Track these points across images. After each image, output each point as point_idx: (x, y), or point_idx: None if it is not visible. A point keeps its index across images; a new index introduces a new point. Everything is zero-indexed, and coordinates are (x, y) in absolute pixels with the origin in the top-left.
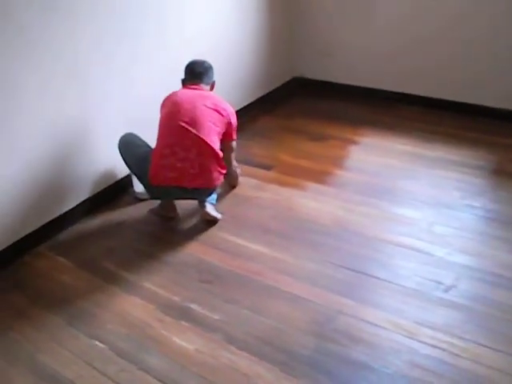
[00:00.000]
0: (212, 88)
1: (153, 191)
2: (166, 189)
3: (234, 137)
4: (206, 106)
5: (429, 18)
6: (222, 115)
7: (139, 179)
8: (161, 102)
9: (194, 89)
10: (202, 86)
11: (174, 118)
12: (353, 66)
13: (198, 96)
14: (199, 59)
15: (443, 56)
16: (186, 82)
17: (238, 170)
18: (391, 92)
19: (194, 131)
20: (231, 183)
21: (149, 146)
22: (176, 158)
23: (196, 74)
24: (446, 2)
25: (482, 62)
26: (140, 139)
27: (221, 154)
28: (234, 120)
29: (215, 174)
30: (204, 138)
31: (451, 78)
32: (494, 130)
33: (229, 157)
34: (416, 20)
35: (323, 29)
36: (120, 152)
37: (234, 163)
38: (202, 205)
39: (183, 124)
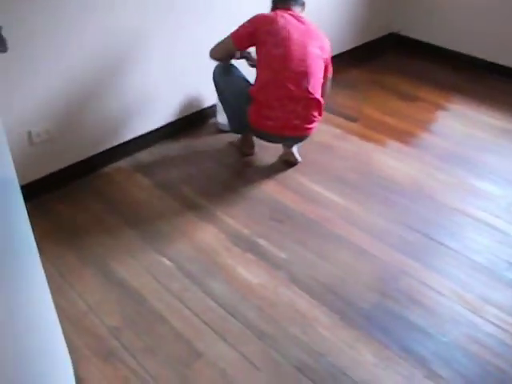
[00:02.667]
0: (303, 8)
1: (248, 129)
2: (263, 132)
3: (331, 69)
4: (315, 53)
5: None
6: (325, 58)
7: (234, 112)
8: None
9: (295, 17)
10: (296, 8)
11: (286, 66)
12: (453, 30)
13: (306, 35)
14: None
15: None
16: (278, 3)
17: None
18: (489, 62)
19: (305, 85)
20: None
21: (246, 79)
22: (284, 110)
23: None
24: None
25: None
26: (236, 68)
27: (323, 103)
28: (330, 55)
29: (315, 124)
30: (314, 92)
31: None
32: None
33: (325, 88)
34: None
35: None
36: (215, 80)
37: (327, 90)
38: (288, 145)
39: (296, 76)
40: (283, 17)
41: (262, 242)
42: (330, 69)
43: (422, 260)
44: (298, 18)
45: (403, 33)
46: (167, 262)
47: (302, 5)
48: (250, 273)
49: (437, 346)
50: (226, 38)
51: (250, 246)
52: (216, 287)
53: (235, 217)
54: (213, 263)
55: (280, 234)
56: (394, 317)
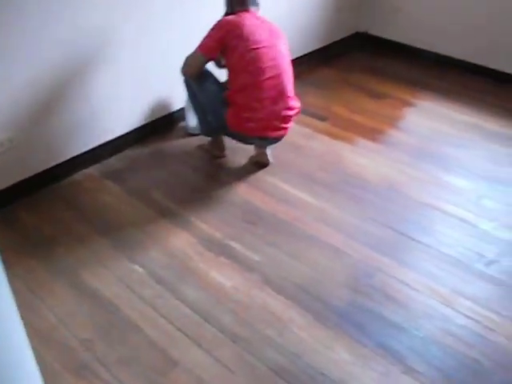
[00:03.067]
0: (259, 7)
1: (220, 132)
2: (242, 135)
3: None
4: (283, 51)
5: None
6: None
7: (208, 117)
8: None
9: (257, 18)
10: (254, 9)
11: (262, 68)
12: (418, 28)
13: (272, 34)
14: None
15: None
16: (235, 5)
17: None
18: (456, 59)
19: (281, 85)
20: None
21: (219, 82)
22: (265, 111)
23: None
24: None
25: None
26: (208, 71)
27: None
28: None
29: (292, 123)
30: (289, 91)
31: None
32: None
33: None
34: None
35: None
36: (187, 83)
37: None
38: (263, 146)
39: (273, 78)
40: (247, 19)
41: (234, 244)
42: None
43: (395, 256)
44: (260, 19)
45: (370, 32)
46: (139, 270)
47: (257, 5)
48: (224, 276)
49: (412, 340)
50: (195, 53)
51: (222, 250)
52: (189, 293)
53: (207, 220)
54: (185, 268)
55: (253, 236)
56: (369, 314)
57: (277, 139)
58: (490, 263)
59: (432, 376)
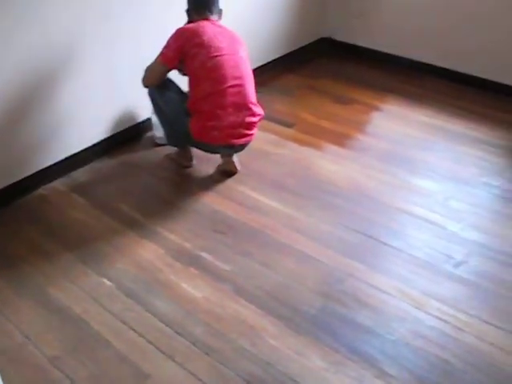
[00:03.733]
0: (220, 16)
1: (189, 142)
2: (208, 144)
3: None
4: (244, 58)
5: None
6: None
7: (172, 127)
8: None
9: (217, 26)
10: (213, 17)
11: (224, 75)
12: (383, 33)
13: (232, 41)
14: None
15: (479, 30)
16: (194, 14)
17: None
18: (418, 62)
19: (244, 92)
20: None
21: (182, 92)
22: (229, 118)
23: (205, 3)
24: None
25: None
26: (171, 81)
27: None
28: None
29: (256, 130)
30: (252, 97)
31: (479, 54)
32: None
33: None
34: None
35: None
36: (150, 94)
37: None
38: (230, 154)
39: (235, 85)
40: (207, 27)
41: (204, 255)
42: None
43: (366, 261)
44: (220, 26)
45: (335, 37)
46: (108, 283)
47: (219, 12)
48: (194, 287)
49: (384, 344)
50: (154, 63)
51: (192, 260)
52: (160, 305)
53: (176, 231)
54: (155, 281)
55: (223, 245)
56: (341, 319)
57: (242, 146)
58: (458, 264)
59: (404, 379)
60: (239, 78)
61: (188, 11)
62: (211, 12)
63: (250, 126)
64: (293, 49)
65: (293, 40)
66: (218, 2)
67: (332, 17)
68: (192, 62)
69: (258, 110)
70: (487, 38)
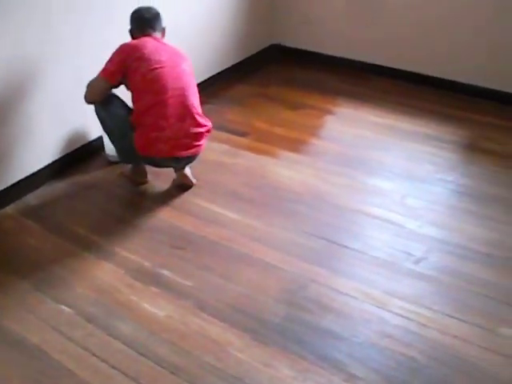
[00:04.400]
0: (163, 35)
1: (137, 157)
2: (154, 158)
3: None
4: (187, 71)
5: None
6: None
7: (119, 143)
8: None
9: (159, 41)
10: (156, 34)
11: (165, 86)
12: (331, 36)
13: (174, 55)
14: (144, 6)
15: (420, 29)
16: (136, 33)
17: None
18: (368, 64)
19: (187, 102)
20: None
21: (127, 106)
22: (173, 129)
23: (147, 20)
24: None
25: (457, 38)
26: (116, 96)
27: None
28: None
29: (204, 141)
30: (196, 108)
31: (427, 52)
32: (467, 106)
33: None
34: None
35: None
36: (96, 111)
37: None
38: (180, 168)
39: (177, 95)
40: (148, 42)
41: (164, 272)
42: None
43: (327, 265)
44: (162, 42)
45: (284, 43)
46: (67, 310)
47: (162, 30)
48: (156, 306)
49: (351, 348)
50: (96, 79)
51: (153, 279)
52: (122, 327)
53: (134, 250)
54: (116, 303)
55: (183, 261)
56: (307, 326)
57: (190, 158)
58: (418, 261)
59: (372, 380)
60: (181, 88)
61: (131, 31)
62: (154, 30)
63: (196, 136)
64: (243, 58)
65: (242, 49)
66: (160, 19)
67: (280, 23)
68: (134, 75)
69: (204, 120)
70: (431, 36)
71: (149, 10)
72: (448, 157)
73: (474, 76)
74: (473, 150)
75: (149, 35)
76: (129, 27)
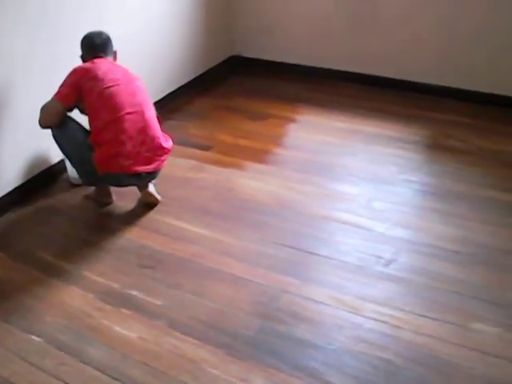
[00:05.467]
0: (115, 59)
1: (96, 180)
2: (115, 176)
3: None
4: (141, 87)
5: None
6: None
7: (79, 165)
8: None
9: (111, 62)
10: (108, 58)
11: (122, 102)
12: (290, 44)
13: (127, 74)
14: (94, 31)
15: (377, 32)
16: (87, 58)
17: None
18: (327, 69)
19: (145, 118)
20: None
21: (83, 128)
22: (133, 143)
23: (98, 46)
24: None
25: (411, 38)
26: (70, 118)
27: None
28: None
29: (166, 156)
30: (154, 123)
31: (386, 54)
32: (427, 106)
33: None
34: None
35: (261, 6)
36: (53, 135)
37: None
38: (144, 186)
39: (133, 111)
40: (101, 63)
41: (134, 293)
42: None
43: (298, 274)
44: (114, 63)
45: (244, 54)
46: (37, 339)
47: (114, 53)
48: (128, 329)
49: (326, 355)
50: (50, 102)
51: (122, 301)
52: (94, 353)
53: (102, 273)
54: (87, 328)
55: (152, 280)
56: (281, 337)
57: (152, 174)
58: (388, 263)
59: None
60: (137, 104)
61: (82, 57)
62: (105, 54)
63: (157, 151)
64: (203, 70)
65: (202, 62)
66: (110, 43)
67: (239, 34)
68: (89, 95)
69: (164, 138)
70: (389, 38)
71: (99, 35)
72: (411, 157)
73: (432, 75)
74: (435, 148)
75: (100, 57)
76: (80, 53)
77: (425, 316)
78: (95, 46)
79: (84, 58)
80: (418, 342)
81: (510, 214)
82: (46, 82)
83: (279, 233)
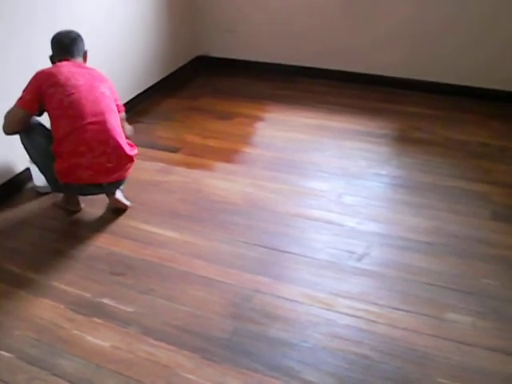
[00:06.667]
0: (85, 58)
1: (61, 188)
2: (79, 186)
3: (123, 108)
4: (106, 94)
5: None
6: (115, 98)
7: (45, 172)
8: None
9: (76, 65)
10: (77, 59)
11: (83, 110)
12: (255, 42)
13: (92, 78)
14: (64, 30)
15: (342, 27)
16: (56, 58)
17: (131, 128)
18: (292, 66)
19: (107, 126)
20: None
21: (49, 135)
22: (94, 154)
23: (65, 46)
24: None
25: (378, 33)
26: (38, 124)
27: (128, 143)
28: (118, 95)
29: (130, 164)
30: (117, 131)
31: (351, 48)
32: (394, 99)
33: (123, 126)
34: None
35: (225, 5)
36: (21, 140)
37: (128, 126)
38: (111, 192)
39: (96, 120)
40: (65, 67)
41: (106, 301)
42: (122, 108)
43: (270, 273)
44: (80, 65)
45: (210, 54)
46: (7, 355)
47: (84, 54)
48: (100, 338)
49: (302, 353)
50: (13, 108)
51: (94, 310)
52: (67, 365)
53: (73, 282)
54: (58, 340)
55: (124, 287)
56: (255, 338)
57: (115, 184)
58: (360, 258)
59: (326, 383)
60: (100, 113)
61: (51, 57)
62: (73, 55)
63: (120, 161)
64: (169, 72)
65: (168, 63)
66: (80, 43)
67: (204, 34)
68: (50, 102)
69: (128, 146)
70: (353, 33)
71: (67, 34)
72: (381, 151)
73: (398, 69)
74: (403, 141)
75: (68, 60)
76: (50, 53)
77: (399, 309)
78: (62, 46)
79: (53, 59)
80: (393, 335)
81: (478, 203)
82: (13, 88)
83: (250, 232)
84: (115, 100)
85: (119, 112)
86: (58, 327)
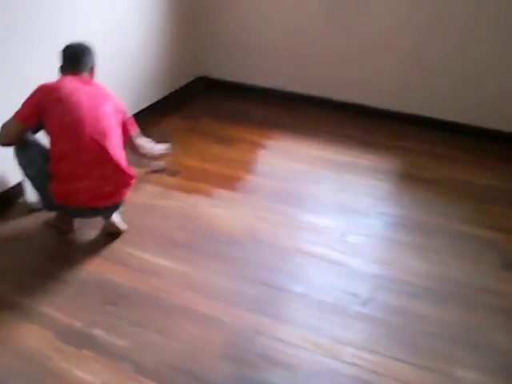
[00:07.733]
0: (92, 73)
1: (55, 207)
2: (73, 209)
3: (134, 124)
4: (108, 112)
5: (336, 17)
6: (121, 116)
7: (39, 190)
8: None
9: (81, 81)
10: (83, 73)
11: (82, 131)
12: (259, 67)
13: (96, 96)
14: (76, 42)
15: (347, 57)
16: (66, 71)
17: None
18: (297, 94)
19: (106, 147)
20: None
21: (45, 152)
22: (91, 177)
23: (75, 58)
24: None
25: (385, 65)
26: (34, 140)
27: (127, 165)
28: (126, 111)
29: (128, 188)
30: (117, 152)
31: (356, 80)
32: (397, 134)
33: (139, 144)
34: (317, 21)
35: (230, 28)
36: (15, 155)
37: (144, 143)
38: (107, 216)
39: (95, 139)
40: (68, 82)
41: (97, 332)
42: (133, 125)
43: (271, 313)
44: (85, 81)
45: (212, 75)
46: None
47: (91, 69)
48: (90, 373)
49: None
50: (10, 121)
51: (84, 341)
52: None
53: (62, 309)
54: (45, 372)
55: (116, 318)
56: None
57: (112, 208)
58: (365, 302)
59: None
60: (100, 132)
61: (60, 68)
62: (78, 69)
63: (118, 184)
64: (170, 91)
65: (169, 82)
66: (89, 57)
67: (207, 55)
68: (50, 118)
69: (128, 168)
70: (357, 65)
71: (75, 47)
72: (386, 188)
73: (401, 103)
74: (405, 178)
75: (76, 74)
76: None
77: (402, 361)
78: (68, 58)
79: (61, 70)
80: None
81: (484, 249)
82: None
83: (250, 267)
84: (122, 118)
85: (128, 130)
86: (46, 358)
